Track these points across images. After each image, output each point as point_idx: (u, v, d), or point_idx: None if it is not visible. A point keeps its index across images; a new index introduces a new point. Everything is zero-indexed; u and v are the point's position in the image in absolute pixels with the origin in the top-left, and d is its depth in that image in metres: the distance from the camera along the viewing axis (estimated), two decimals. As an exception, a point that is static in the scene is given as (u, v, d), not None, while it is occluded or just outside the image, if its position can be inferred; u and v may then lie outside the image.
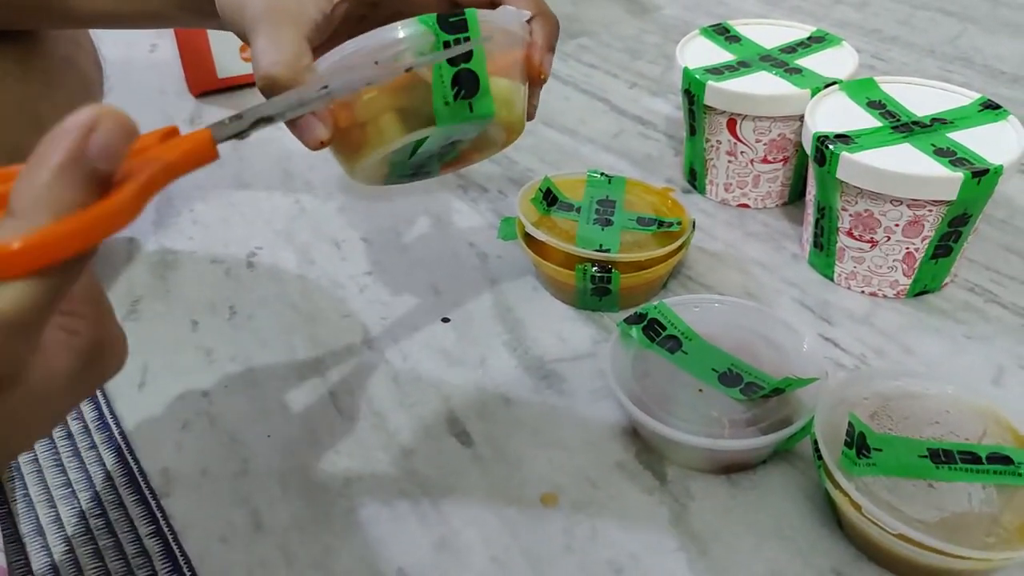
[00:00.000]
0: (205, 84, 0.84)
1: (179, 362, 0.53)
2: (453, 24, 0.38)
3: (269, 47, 0.37)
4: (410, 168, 0.45)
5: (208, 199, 0.69)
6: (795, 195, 0.65)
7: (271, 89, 0.37)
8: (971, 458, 0.40)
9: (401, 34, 0.38)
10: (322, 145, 0.39)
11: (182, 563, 0.42)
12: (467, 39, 0.38)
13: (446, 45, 0.38)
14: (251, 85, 0.85)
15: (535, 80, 0.43)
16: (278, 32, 0.38)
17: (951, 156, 0.51)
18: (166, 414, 0.50)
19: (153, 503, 0.45)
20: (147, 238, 0.64)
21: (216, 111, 0.81)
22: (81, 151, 0.22)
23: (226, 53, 0.83)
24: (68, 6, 0.48)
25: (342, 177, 0.70)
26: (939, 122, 0.55)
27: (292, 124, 0.38)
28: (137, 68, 0.89)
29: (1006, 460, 0.40)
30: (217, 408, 0.50)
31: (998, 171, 0.50)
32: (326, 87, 0.32)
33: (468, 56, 0.39)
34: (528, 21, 0.42)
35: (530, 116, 0.45)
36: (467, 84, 0.39)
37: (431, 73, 0.38)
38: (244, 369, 0.53)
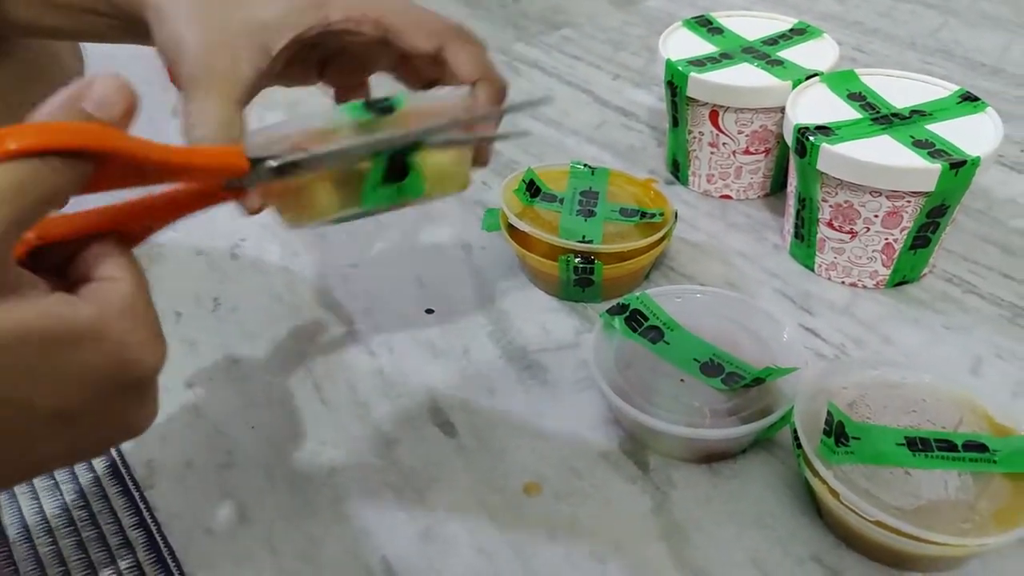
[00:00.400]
0: (187, 75, 0.83)
1: (162, 354, 0.53)
2: (381, 109, 0.37)
3: (198, 117, 0.37)
4: (351, 219, 0.43)
5: (191, 191, 0.69)
6: (777, 186, 0.66)
7: None
8: (947, 446, 0.41)
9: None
10: (256, 212, 0.38)
11: (166, 554, 0.42)
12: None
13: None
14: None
15: (479, 161, 0.42)
16: (207, 100, 0.37)
17: (930, 148, 0.52)
18: (150, 406, 0.50)
19: (136, 495, 0.45)
20: (129, 230, 0.64)
21: (199, 102, 0.81)
22: (77, 98, 0.25)
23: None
24: (9, 20, 0.47)
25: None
26: (918, 114, 0.55)
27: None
28: (120, 59, 0.88)
29: (982, 448, 0.41)
30: (201, 400, 0.50)
31: (975, 163, 0.50)
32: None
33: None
34: (473, 84, 0.41)
35: (484, 163, 0.43)
36: (397, 168, 0.38)
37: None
38: (228, 361, 0.53)
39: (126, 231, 0.30)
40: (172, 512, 0.44)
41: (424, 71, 0.44)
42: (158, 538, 0.43)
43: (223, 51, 0.38)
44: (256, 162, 0.32)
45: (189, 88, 0.38)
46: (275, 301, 0.57)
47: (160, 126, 0.81)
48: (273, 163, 0.32)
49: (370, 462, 0.46)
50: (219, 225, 0.65)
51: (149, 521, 0.43)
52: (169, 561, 0.42)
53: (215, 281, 0.59)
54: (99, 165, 0.25)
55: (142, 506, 0.44)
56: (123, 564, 0.42)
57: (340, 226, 0.64)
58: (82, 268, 0.28)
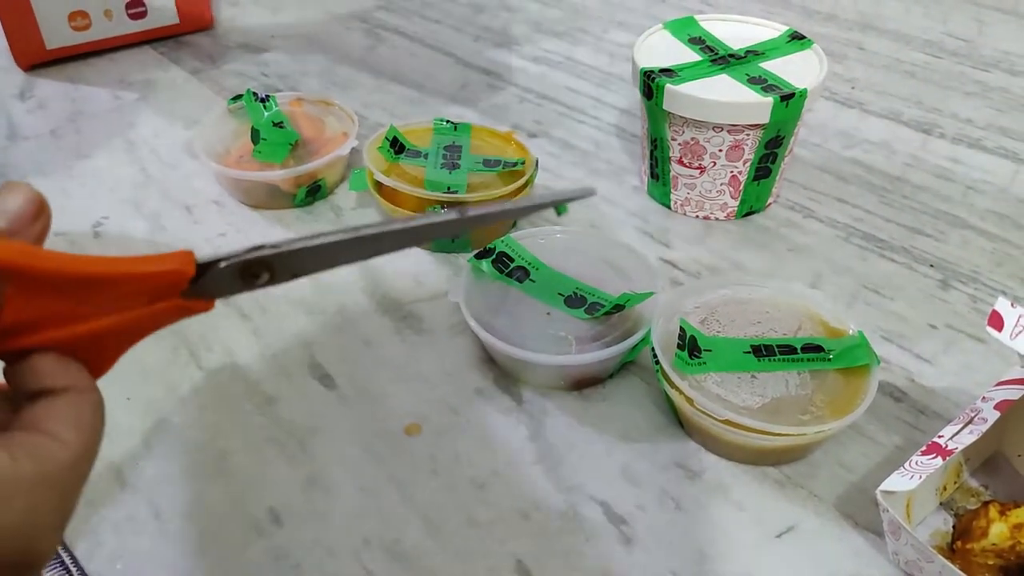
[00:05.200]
0: (33, 56, 0.80)
1: (26, 336, 0.52)
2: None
3: None
4: None
5: (47, 173, 0.67)
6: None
7: None
8: (788, 350, 0.45)
9: None
10: None
11: (45, 528, 0.41)
12: None
13: None
14: (85, 56, 0.82)
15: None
16: None
17: (763, 83, 0.56)
18: (16, 388, 0.49)
19: (9, 473, 0.44)
20: (-19, 216, 0.62)
21: (50, 85, 0.78)
22: None
23: (53, 20, 0.79)
24: None
25: (189, 143, 0.69)
26: (752, 53, 0.59)
27: None
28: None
29: (818, 349, 0.45)
30: (71, 377, 0.49)
31: (803, 94, 0.54)
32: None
33: None
34: None
35: None
36: None
37: None
38: (97, 337, 0.52)
39: (90, 357, 0.27)
40: (48, 487, 0.43)
41: None
42: (35, 513, 0.42)
43: None
44: (207, 267, 0.27)
45: None
46: (143, 275, 0.57)
47: (8, 105, 0.77)
48: (223, 264, 0.27)
49: (252, 421, 0.47)
50: (76, 203, 0.63)
51: (24, 498, 0.43)
52: (48, 534, 0.41)
53: (78, 260, 0.58)
54: (14, 284, 0.23)
55: (15, 484, 0.43)
56: (-1, 543, 0.41)
57: (206, 197, 0.63)
58: (34, 383, 0.25)
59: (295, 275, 0.28)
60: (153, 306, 0.27)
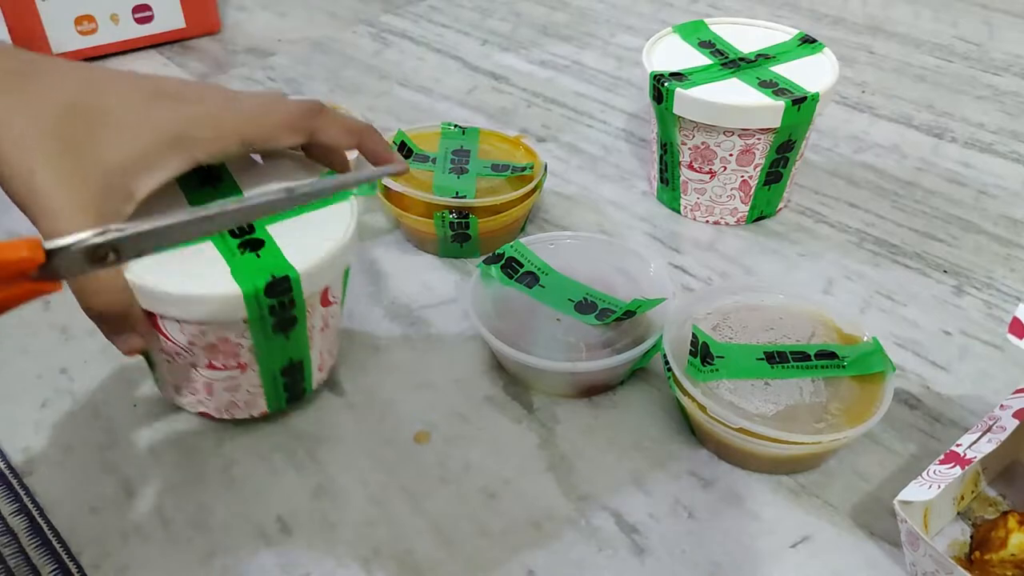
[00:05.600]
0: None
1: (33, 343, 0.52)
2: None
3: (89, 283, 0.37)
4: None
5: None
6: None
7: (100, 322, 0.38)
8: (802, 356, 0.44)
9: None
10: (134, 353, 0.39)
11: (51, 537, 0.41)
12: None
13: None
14: (91, 60, 0.82)
15: (400, 174, 0.43)
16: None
17: (774, 87, 0.55)
18: (23, 395, 0.48)
19: (15, 481, 0.43)
20: (-13, 221, 0.62)
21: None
22: None
23: (59, 25, 0.79)
24: None
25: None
26: (763, 57, 0.59)
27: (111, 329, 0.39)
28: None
29: (832, 355, 0.44)
30: (78, 384, 0.49)
31: (815, 98, 0.54)
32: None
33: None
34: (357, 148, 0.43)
35: (404, 171, 0.43)
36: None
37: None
38: (103, 343, 0.51)
39: None
40: (54, 496, 0.43)
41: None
42: (41, 522, 0.41)
43: (87, 211, 0.35)
44: (58, 251, 0.28)
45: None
46: (150, 281, 0.56)
47: None
48: (73, 247, 0.29)
49: (259, 429, 0.46)
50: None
51: (30, 506, 0.42)
52: (55, 543, 0.41)
53: (84, 266, 0.58)
54: None
55: (21, 492, 0.43)
56: (6, 552, 0.40)
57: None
58: None
59: (140, 254, 0.31)
60: (4, 290, 0.29)
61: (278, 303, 0.39)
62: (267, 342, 0.41)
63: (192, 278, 0.38)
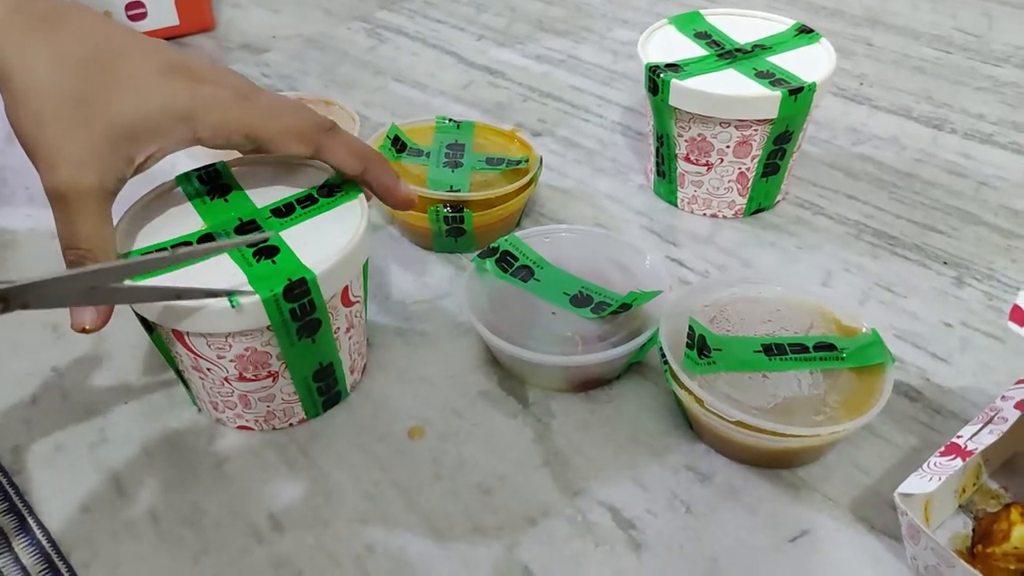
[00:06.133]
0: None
1: (24, 340, 0.51)
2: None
3: (72, 237, 0.37)
4: None
5: (44, 175, 0.66)
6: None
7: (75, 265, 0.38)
8: (800, 348, 0.44)
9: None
10: (85, 331, 0.39)
11: (40, 537, 0.40)
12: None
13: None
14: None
15: (405, 207, 0.44)
16: (81, 218, 0.37)
17: (771, 77, 0.55)
18: (12, 392, 0.48)
19: (4, 480, 0.43)
20: (-22, 219, 0.61)
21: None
22: None
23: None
24: None
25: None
26: (759, 48, 0.58)
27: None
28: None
29: (830, 347, 0.44)
30: (69, 381, 0.48)
31: (812, 88, 0.53)
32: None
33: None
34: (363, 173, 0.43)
35: (408, 204, 0.45)
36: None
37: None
38: (96, 340, 0.51)
39: None
40: (44, 495, 0.42)
41: None
42: (31, 521, 0.41)
43: (89, 163, 0.36)
44: None
45: (57, 200, 0.37)
46: (142, 278, 0.56)
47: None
48: None
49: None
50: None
51: (20, 505, 0.42)
52: (44, 543, 0.40)
53: (76, 263, 0.57)
54: None
55: (11, 491, 0.42)
56: (-6, 551, 0.40)
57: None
58: None
59: (25, 306, 0.32)
60: None
61: (298, 306, 0.39)
62: (294, 348, 0.41)
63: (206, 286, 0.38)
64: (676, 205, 0.61)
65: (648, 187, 0.63)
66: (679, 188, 0.60)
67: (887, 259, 0.56)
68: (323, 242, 0.40)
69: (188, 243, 0.40)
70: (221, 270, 0.39)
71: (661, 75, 0.55)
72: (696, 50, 0.59)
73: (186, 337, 0.40)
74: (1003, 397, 0.40)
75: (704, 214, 0.60)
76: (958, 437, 0.38)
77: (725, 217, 0.60)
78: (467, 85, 0.77)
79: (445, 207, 0.54)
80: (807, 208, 0.61)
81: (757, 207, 0.60)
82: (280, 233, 0.41)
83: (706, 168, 0.58)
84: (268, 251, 0.40)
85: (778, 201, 0.61)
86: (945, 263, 0.56)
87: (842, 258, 0.56)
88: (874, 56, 0.81)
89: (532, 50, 0.83)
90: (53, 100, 0.36)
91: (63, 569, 0.39)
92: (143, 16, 0.83)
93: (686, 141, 0.57)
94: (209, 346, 0.40)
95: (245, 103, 0.40)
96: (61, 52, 0.37)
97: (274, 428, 0.45)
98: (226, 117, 0.39)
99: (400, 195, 0.44)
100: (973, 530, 0.40)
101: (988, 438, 0.37)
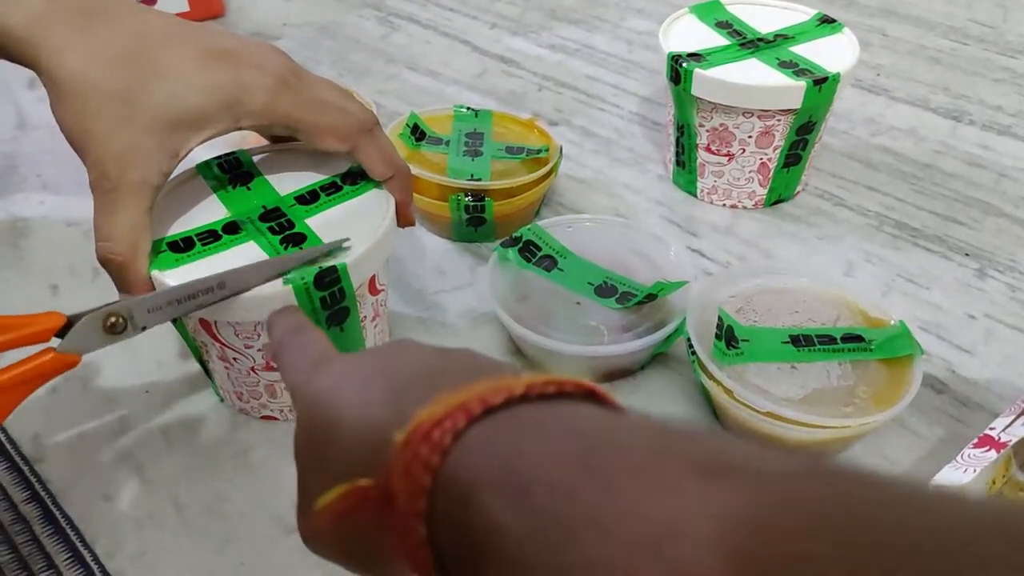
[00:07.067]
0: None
1: (41, 328, 0.51)
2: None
3: (110, 231, 0.37)
4: None
5: (59, 163, 0.65)
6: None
7: (106, 269, 0.38)
8: (828, 340, 0.43)
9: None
10: None
11: (64, 524, 0.40)
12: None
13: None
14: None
15: (404, 225, 0.44)
16: (118, 213, 0.37)
17: (794, 67, 0.54)
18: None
19: (26, 468, 0.42)
20: (-9, 206, 0.60)
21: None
22: None
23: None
24: None
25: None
26: (782, 37, 0.58)
27: None
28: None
29: (858, 339, 0.43)
30: (88, 370, 0.48)
31: (836, 78, 0.53)
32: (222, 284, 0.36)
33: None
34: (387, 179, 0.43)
35: (409, 223, 0.44)
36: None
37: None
38: (113, 329, 0.51)
39: None
40: (66, 483, 0.42)
41: None
42: (54, 509, 0.41)
43: (132, 159, 0.36)
44: (74, 320, 0.35)
45: (98, 195, 0.37)
46: (159, 266, 0.55)
47: (17, 95, 0.76)
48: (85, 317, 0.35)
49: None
50: (88, 193, 0.61)
51: (43, 494, 0.41)
52: (68, 531, 0.40)
53: (92, 251, 0.56)
54: None
55: (33, 479, 0.42)
56: (19, 540, 0.40)
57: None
58: None
59: (148, 325, 0.36)
60: (30, 363, 0.34)
61: (328, 295, 0.38)
62: None
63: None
64: (695, 195, 0.61)
65: (667, 177, 0.63)
66: (699, 178, 0.60)
67: (909, 250, 0.56)
68: (350, 230, 0.40)
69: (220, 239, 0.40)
70: (248, 260, 0.38)
71: (684, 64, 0.54)
72: (718, 39, 0.58)
73: (214, 326, 0.39)
74: (1034, 389, 0.40)
75: (724, 204, 0.60)
76: (991, 429, 0.38)
77: (745, 208, 0.60)
78: (481, 74, 0.77)
79: (466, 196, 0.53)
80: (827, 199, 0.61)
81: (777, 198, 0.60)
82: (306, 220, 0.40)
83: (727, 158, 0.57)
84: (295, 238, 0.39)
85: (798, 192, 0.61)
86: (967, 255, 0.56)
87: (864, 249, 0.56)
88: (890, 47, 0.80)
89: (546, 39, 0.82)
90: (95, 96, 0.36)
91: (88, 558, 0.39)
92: (153, 3, 0.82)
93: (707, 131, 0.56)
94: (237, 335, 0.39)
95: (289, 92, 0.39)
96: (101, 46, 0.36)
97: None
98: (270, 106, 0.38)
99: (409, 214, 0.44)
100: (1003, 522, 0.40)
101: (1021, 430, 0.37)
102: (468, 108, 0.61)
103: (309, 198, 0.42)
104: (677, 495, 0.15)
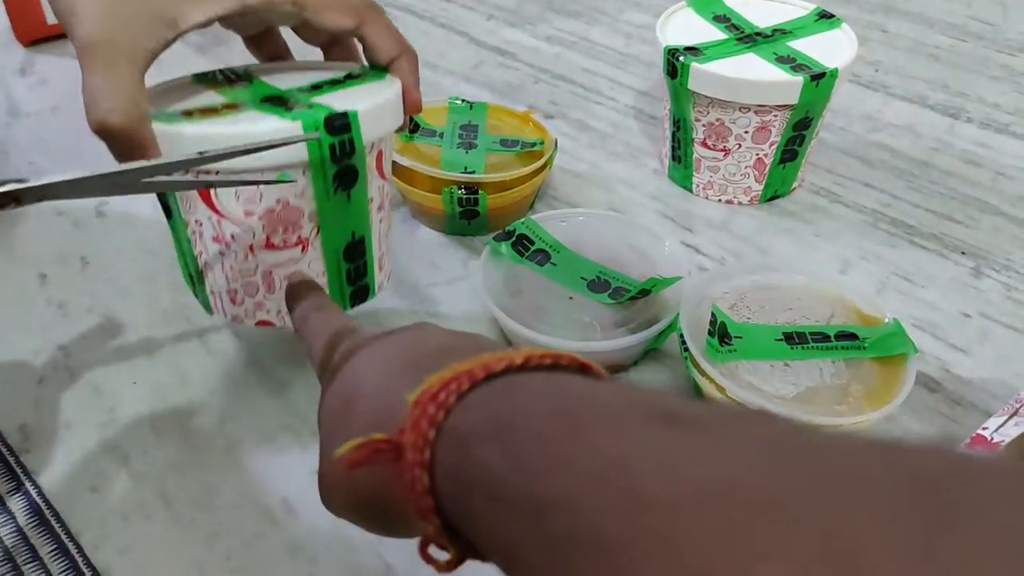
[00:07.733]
0: (34, 32, 0.78)
1: (29, 318, 0.50)
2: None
3: (100, 93, 0.34)
4: None
5: (48, 150, 0.65)
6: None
7: (106, 137, 0.35)
8: (821, 337, 0.43)
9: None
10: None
11: (49, 516, 0.40)
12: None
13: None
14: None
15: (411, 111, 0.43)
16: (112, 72, 0.35)
17: (791, 63, 0.54)
18: (19, 371, 0.47)
19: (12, 460, 0.42)
20: (-19, 194, 0.60)
21: (51, 61, 0.76)
22: None
23: None
24: None
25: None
26: (779, 32, 0.58)
27: None
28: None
29: (852, 336, 0.43)
30: (76, 361, 0.48)
31: (834, 74, 0.53)
32: (202, 153, 0.33)
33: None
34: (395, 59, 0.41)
35: (416, 109, 0.43)
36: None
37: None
38: (103, 319, 0.50)
39: None
40: (52, 474, 0.42)
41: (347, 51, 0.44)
42: (39, 501, 0.40)
43: (126, 21, 0.35)
44: None
45: (88, 58, 0.35)
46: (150, 256, 0.55)
47: (8, 83, 0.75)
48: None
49: (264, 407, 0.45)
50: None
51: (28, 485, 0.41)
52: (53, 523, 0.39)
53: (81, 240, 0.56)
54: None
55: (18, 471, 0.42)
56: (3, 532, 0.39)
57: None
58: None
59: (42, 199, 0.31)
60: None
61: (338, 143, 0.37)
62: (329, 201, 0.38)
63: (246, 125, 0.36)
64: (691, 190, 0.60)
65: (662, 172, 0.63)
66: (695, 173, 0.59)
67: (904, 248, 0.56)
68: (358, 98, 0.38)
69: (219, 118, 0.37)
70: (251, 118, 0.37)
71: (680, 58, 0.54)
72: (715, 33, 0.58)
73: (214, 196, 0.38)
74: (1028, 389, 0.40)
75: (719, 200, 0.60)
76: (983, 429, 0.38)
77: (740, 203, 0.59)
78: (477, 65, 0.76)
79: (460, 188, 0.53)
80: (823, 196, 0.60)
81: (773, 194, 0.59)
82: (311, 100, 0.39)
83: (723, 153, 0.57)
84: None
85: (794, 188, 0.61)
86: (963, 253, 0.55)
87: (859, 247, 0.56)
88: (889, 43, 0.80)
89: (543, 31, 0.82)
90: None
91: (73, 550, 0.38)
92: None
93: (704, 126, 0.56)
94: (238, 198, 0.37)
95: None
96: None
97: None
98: None
99: (416, 96, 0.42)
100: (995, 523, 0.40)
101: (1014, 430, 0.37)
102: (463, 100, 0.60)
103: (312, 89, 0.40)
104: (629, 436, 0.17)
